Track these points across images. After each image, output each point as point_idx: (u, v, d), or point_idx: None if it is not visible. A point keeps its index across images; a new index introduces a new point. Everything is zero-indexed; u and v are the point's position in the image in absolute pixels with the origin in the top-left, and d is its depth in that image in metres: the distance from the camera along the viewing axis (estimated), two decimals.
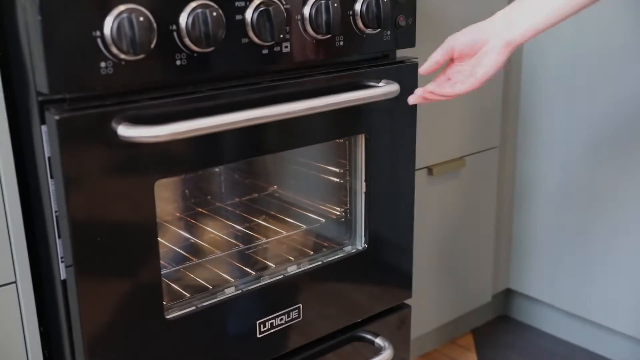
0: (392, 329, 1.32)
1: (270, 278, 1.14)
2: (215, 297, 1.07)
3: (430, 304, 1.59)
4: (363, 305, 1.26)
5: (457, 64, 1.02)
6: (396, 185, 1.25)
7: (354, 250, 1.24)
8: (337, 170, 1.31)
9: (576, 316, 1.71)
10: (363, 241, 1.24)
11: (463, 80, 0.99)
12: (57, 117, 0.83)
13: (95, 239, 0.89)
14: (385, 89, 1.07)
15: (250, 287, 1.10)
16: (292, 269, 1.17)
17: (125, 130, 0.85)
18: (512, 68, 1.64)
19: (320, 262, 1.20)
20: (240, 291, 1.09)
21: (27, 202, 0.95)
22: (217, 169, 1.62)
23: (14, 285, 0.96)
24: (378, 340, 1.26)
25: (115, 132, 0.86)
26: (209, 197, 1.52)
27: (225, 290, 1.09)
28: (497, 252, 1.75)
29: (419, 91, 1.03)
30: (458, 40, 1.00)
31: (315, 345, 1.21)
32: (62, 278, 0.93)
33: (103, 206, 0.89)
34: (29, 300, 0.97)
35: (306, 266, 1.18)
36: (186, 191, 1.56)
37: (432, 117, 1.45)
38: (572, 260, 1.66)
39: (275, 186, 1.49)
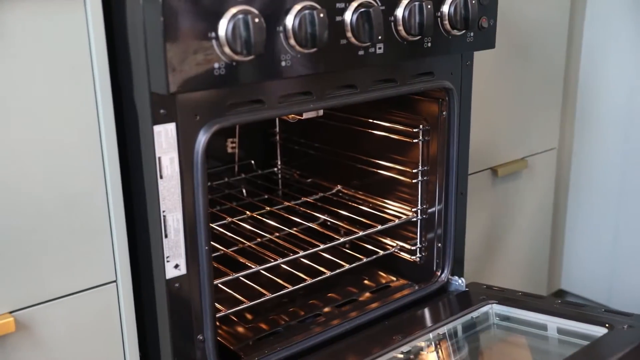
0: None
1: None
2: None
3: None
4: None
5: None
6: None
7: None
8: (408, 170, 1.32)
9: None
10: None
11: None
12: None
13: None
14: None
15: None
16: None
17: None
18: (571, 69, 1.65)
19: None
20: None
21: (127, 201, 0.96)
22: (276, 169, 1.64)
23: (114, 284, 0.96)
24: None
25: None
26: (266, 196, 1.53)
27: None
28: (551, 252, 1.76)
29: None
30: None
31: None
32: (167, 277, 0.94)
33: None
34: (128, 299, 0.97)
35: None
36: (243, 190, 1.57)
37: (496, 117, 1.46)
38: (628, 261, 1.66)
39: (339, 186, 1.49)
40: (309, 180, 1.55)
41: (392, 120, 1.33)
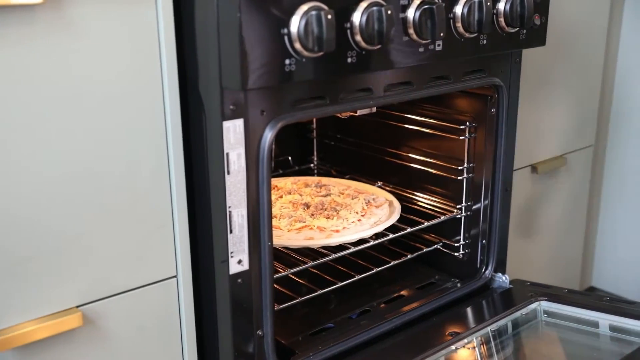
0: None
1: None
2: None
3: None
4: None
5: None
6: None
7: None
8: (452, 166, 1.32)
9: None
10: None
11: None
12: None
13: None
14: None
15: None
16: None
17: None
18: (608, 66, 1.65)
19: None
20: None
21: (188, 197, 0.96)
22: (312, 165, 1.64)
23: (174, 279, 0.96)
24: None
25: None
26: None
27: None
28: (584, 249, 1.76)
29: None
30: None
31: None
32: (230, 273, 0.94)
33: None
34: (188, 294, 0.98)
35: None
36: None
37: (536, 114, 1.46)
38: None
39: (379, 182, 1.49)
40: (347, 176, 1.55)
41: (434, 117, 1.33)
